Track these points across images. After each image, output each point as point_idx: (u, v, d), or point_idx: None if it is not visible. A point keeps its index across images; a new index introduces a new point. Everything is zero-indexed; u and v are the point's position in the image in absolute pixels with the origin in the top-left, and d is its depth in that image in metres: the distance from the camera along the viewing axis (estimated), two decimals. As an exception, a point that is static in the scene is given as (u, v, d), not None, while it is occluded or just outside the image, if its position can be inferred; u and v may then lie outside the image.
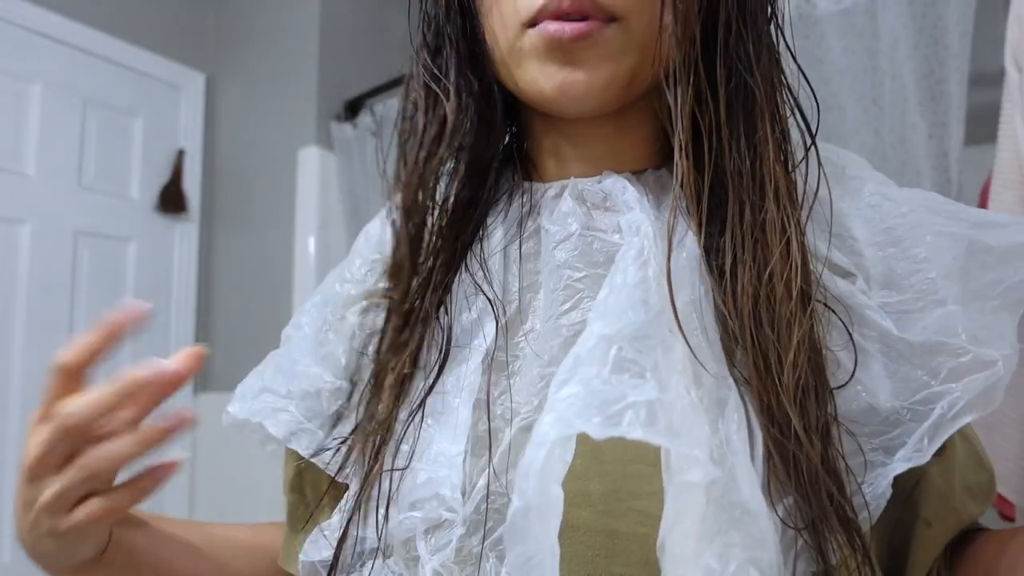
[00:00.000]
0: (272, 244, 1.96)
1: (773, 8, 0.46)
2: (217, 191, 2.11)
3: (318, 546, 0.45)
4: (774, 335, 0.37)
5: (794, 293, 0.38)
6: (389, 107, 1.89)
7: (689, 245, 0.40)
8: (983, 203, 1.37)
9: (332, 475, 0.46)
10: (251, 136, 2.06)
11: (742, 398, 0.36)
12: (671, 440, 0.32)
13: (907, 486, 0.43)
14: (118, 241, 1.91)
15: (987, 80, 1.19)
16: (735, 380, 0.37)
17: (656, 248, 0.38)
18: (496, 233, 0.46)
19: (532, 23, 0.40)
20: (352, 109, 1.97)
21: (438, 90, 0.44)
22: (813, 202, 0.42)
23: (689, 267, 0.39)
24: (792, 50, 0.47)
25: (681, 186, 0.39)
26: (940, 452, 0.42)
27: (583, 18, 0.39)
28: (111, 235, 1.89)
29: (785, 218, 0.40)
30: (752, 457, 0.35)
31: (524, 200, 0.46)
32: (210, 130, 2.13)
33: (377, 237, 0.53)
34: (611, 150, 0.46)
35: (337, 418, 0.47)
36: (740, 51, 0.42)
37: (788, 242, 0.39)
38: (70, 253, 1.79)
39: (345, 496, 0.45)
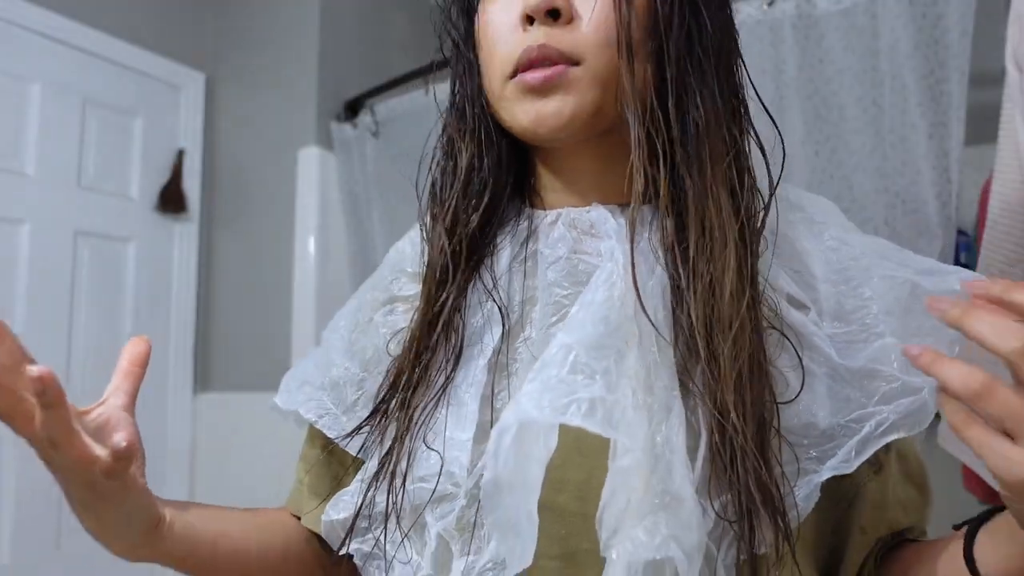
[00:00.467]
0: (272, 244, 1.96)
1: (731, 46, 0.52)
2: (217, 191, 2.11)
3: (337, 508, 0.54)
4: (723, 351, 0.44)
5: (740, 314, 0.44)
6: (389, 107, 1.89)
7: (658, 270, 0.47)
8: (983, 203, 1.37)
9: (354, 453, 0.55)
10: (251, 136, 2.06)
11: (694, 404, 0.44)
12: (607, 430, 0.40)
13: (848, 496, 0.51)
14: (118, 241, 1.91)
15: (987, 80, 1.19)
16: (688, 388, 0.44)
17: (624, 273, 0.46)
18: (504, 252, 0.55)
19: (512, 75, 0.50)
20: (352, 109, 1.97)
21: (461, 143, 0.56)
22: (775, 240, 0.49)
23: (655, 290, 0.46)
24: (757, 92, 0.53)
25: (640, 201, 0.47)
26: (879, 470, 0.51)
27: (552, 64, 0.48)
28: (111, 235, 1.89)
29: (733, 245, 0.46)
30: (696, 457, 0.43)
31: (526, 225, 0.55)
32: (210, 130, 2.13)
33: (404, 253, 0.61)
34: (597, 184, 0.53)
35: (360, 403, 0.56)
36: (689, 87, 0.48)
37: (737, 268, 0.45)
38: (70, 253, 1.79)
39: (365, 467, 0.53)
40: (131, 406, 0.47)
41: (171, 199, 1.99)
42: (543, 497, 0.40)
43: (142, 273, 1.95)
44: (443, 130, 0.60)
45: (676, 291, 0.47)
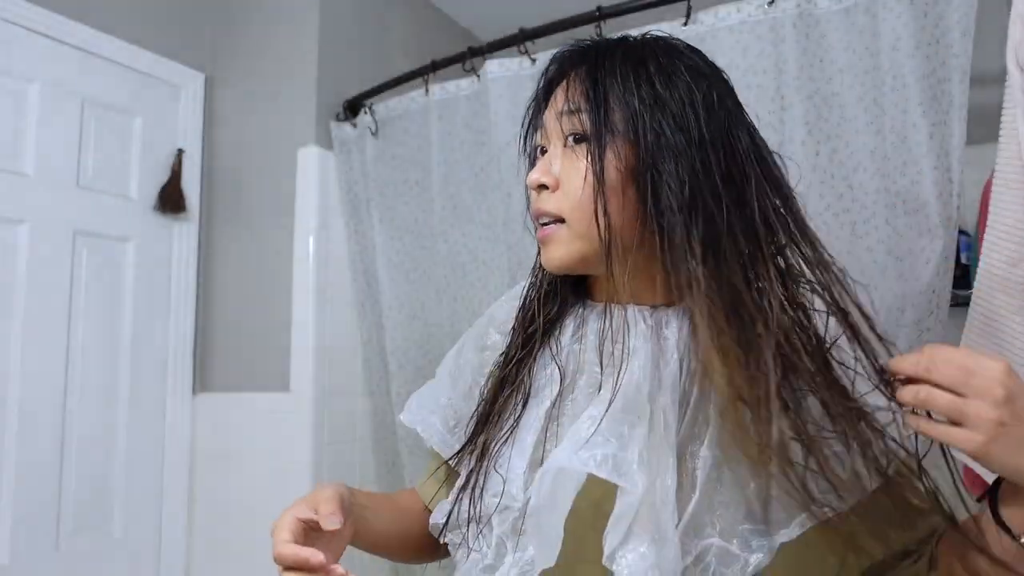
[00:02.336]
0: (271, 244, 1.96)
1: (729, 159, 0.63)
2: (216, 191, 2.10)
3: (438, 513, 0.74)
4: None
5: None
6: (389, 107, 1.89)
7: (673, 362, 0.64)
8: (984, 203, 1.37)
9: (453, 466, 0.77)
10: (250, 136, 2.06)
11: (694, 463, 0.62)
12: (614, 477, 0.58)
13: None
14: (117, 241, 1.90)
15: (988, 79, 1.19)
16: (685, 456, 0.62)
17: (644, 364, 0.63)
18: (567, 330, 0.72)
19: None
20: (352, 109, 1.97)
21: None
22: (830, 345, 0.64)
23: (667, 380, 0.63)
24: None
25: (666, 303, 0.68)
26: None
27: (546, 222, 0.66)
28: (110, 235, 1.89)
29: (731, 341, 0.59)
30: (687, 506, 0.60)
31: (581, 312, 0.73)
32: (209, 130, 2.13)
33: (496, 315, 0.81)
34: (630, 289, 0.66)
35: (459, 427, 0.78)
36: (671, 214, 0.61)
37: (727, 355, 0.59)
38: (69, 253, 1.79)
39: (456, 483, 0.73)
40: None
41: (170, 199, 1.99)
42: (575, 519, 0.60)
43: (141, 273, 1.94)
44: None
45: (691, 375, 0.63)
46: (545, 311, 0.72)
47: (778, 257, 0.62)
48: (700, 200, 0.60)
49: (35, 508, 1.67)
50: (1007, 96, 0.92)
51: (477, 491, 0.68)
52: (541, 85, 0.71)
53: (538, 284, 0.74)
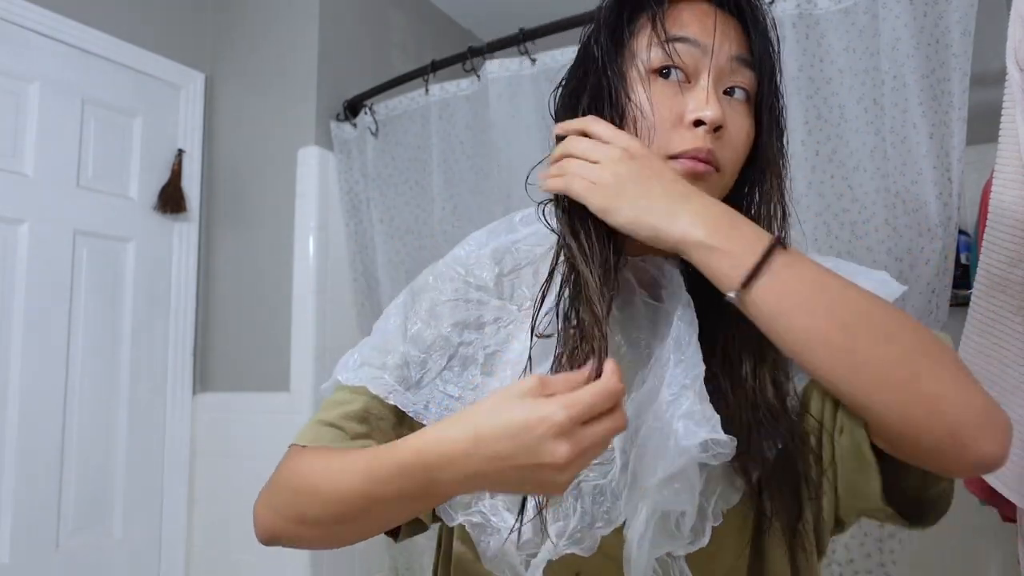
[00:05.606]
0: (272, 244, 1.96)
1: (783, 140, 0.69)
2: (216, 191, 2.10)
3: None
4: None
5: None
6: (389, 107, 1.89)
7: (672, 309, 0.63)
8: (984, 203, 1.37)
9: (423, 422, 0.66)
10: (251, 136, 2.06)
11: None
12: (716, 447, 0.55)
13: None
14: (117, 241, 1.90)
15: (988, 79, 1.19)
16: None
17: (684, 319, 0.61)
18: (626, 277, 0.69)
19: (675, 157, 0.61)
20: (352, 109, 1.97)
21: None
22: None
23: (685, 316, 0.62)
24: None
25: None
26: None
27: (707, 164, 0.61)
28: (110, 235, 1.89)
29: None
30: None
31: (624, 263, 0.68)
32: (209, 130, 2.13)
33: (482, 277, 0.71)
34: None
35: (424, 381, 0.67)
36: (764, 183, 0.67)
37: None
38: (69, 253, 1.79)
39: None
40: None
41: (170, 199, 1.99)
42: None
43: (141, 273, 1.95)
44: None
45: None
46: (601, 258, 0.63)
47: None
48: (780, 161, 0.67)
49: (35, 508, 1.67)
50: (1007, 96, 0.93)
51: None
52: None
53: (592, 231, 0.62)
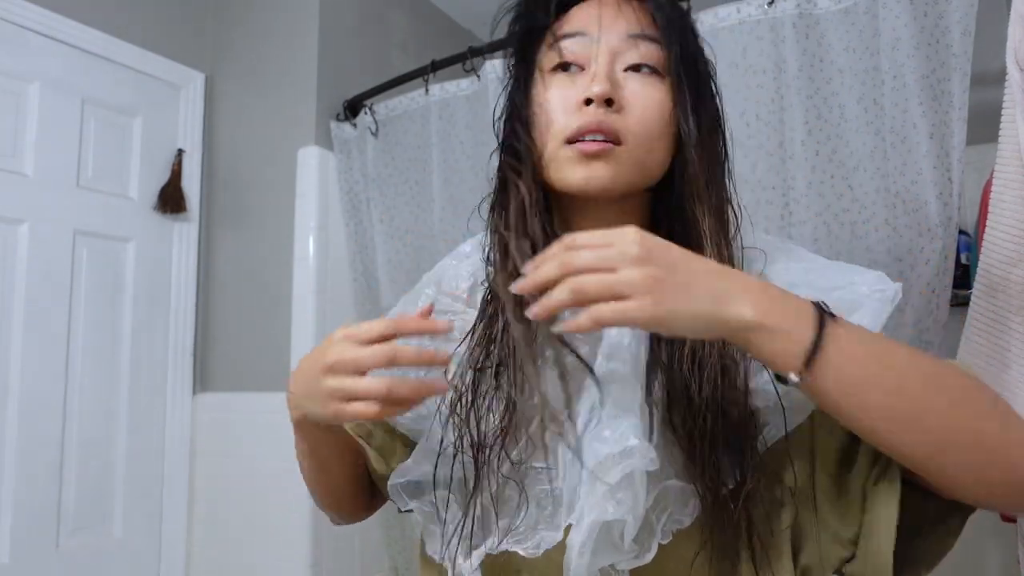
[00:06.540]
0: (271, 244, 1.96)
1: (721, 125, 0.67)
2: (216, 191, 2.10)
3: (398, 474, 0.69)
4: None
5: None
6: (389, 107, 1.89)
7: None
8: (984, 203, 1.37)
9: (401, 431, 0.74)
10: (251, 136, 2.06)
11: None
12: (647, 464, 0.55)
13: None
14: (117, 241, 1.90)
15: (989, 79, 1.19)
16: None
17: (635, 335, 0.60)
18: None
19: (570, 141, 0.63)
20: (352, 109, 1.97)
21: (518, 180, 0.66)
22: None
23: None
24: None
25: None
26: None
27: (604, 140, 0.62)
28: (110, 235, 1.89)
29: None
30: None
31: None
32: (209, 130, 2.13)
33: (448, 283, 0.76)
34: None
35: None
36: (693, 163, 0.64)
37: None
38: (69, 253, 1.79)
39: (419, 445, 0.69)
40: None
41: (170, 199, 1.99)
42: None
43: (141, 273, 1.95)
44: (499, 169, 0.72)
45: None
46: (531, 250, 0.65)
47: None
48: (713, 146, 0.65)
49: (35, 508, 1.67)
50: (1007, 96, 0.92)
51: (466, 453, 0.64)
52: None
53: (517, 234, 0.64)
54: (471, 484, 0.63)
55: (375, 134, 1.90)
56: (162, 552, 1.93)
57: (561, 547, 0.58)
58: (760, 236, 0.69)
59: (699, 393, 0.58)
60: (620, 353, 0.59)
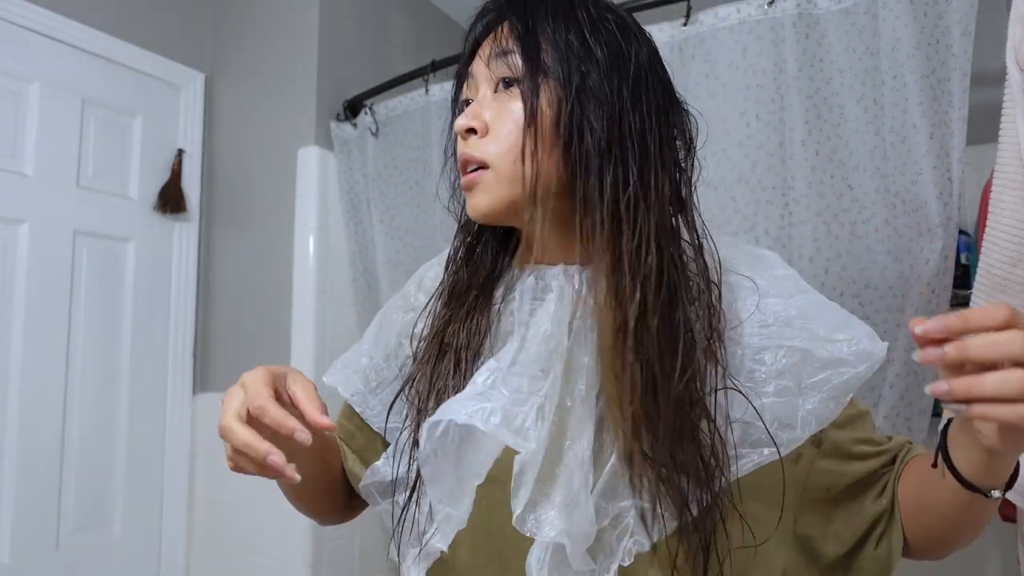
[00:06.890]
0: (272, 244, 1.96)
1: (657, 127, 0.63)
2: (216, 191, 2.10)
3: (369, 475, 0.70)
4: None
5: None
6: (389, 107, 1.89)
7: (589, 320, 0.60)
8: (984, 203, 1.37)
9: (375, 428, 0.74)
10: (251, 136, 2.06)
11: (600, 428, 0.59)
12: (500, 433, 0.56)
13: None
14: (117, 241, 1.90)
15: (988, 79, 1.19)
16: (605, 422, 0.59)
17: (558, 324, 0.61)
18: (499, 294, 0.70)
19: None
20: (352, 109, 1.97)
21: (465, 229, 0.72)
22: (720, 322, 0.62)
23: (579, 335, 0.60)
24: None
25: (579, 263, 0.65)
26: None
27: (475, 169, 0.63)
28: (110, 235, 1.89)
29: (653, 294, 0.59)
30: (604, 468, 0.57)
31: (512, 276, 0.70)
32: (209, 130, 2.13)
33: (425, 278, 0.77)
34: (548, 249, 0.65)
35: (380, 388, 0.74)
36: (594, 171, 0.60)
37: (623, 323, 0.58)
38: (69, 253, 1.79)
39: (392, 446, 0.69)
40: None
41: (170, 199, 1.99)
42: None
43: (141, 273, 1.95)
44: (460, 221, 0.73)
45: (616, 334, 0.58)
46: (473, 272, 0.69)
47: (673, 218, 0.63)
48: (616, 150, 0.60)
49: (35, 508, 1.67)
50: (1007, 96, 0.92)
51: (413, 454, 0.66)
52: (469, 42, 0.68)
53: (466, 244, 0.70)
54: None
55: (375, 134, 1.90)
56: (162, 552, 1.93)
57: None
58: (725, 242, 0.66)
59: (665, 419, 0.57)
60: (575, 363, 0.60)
